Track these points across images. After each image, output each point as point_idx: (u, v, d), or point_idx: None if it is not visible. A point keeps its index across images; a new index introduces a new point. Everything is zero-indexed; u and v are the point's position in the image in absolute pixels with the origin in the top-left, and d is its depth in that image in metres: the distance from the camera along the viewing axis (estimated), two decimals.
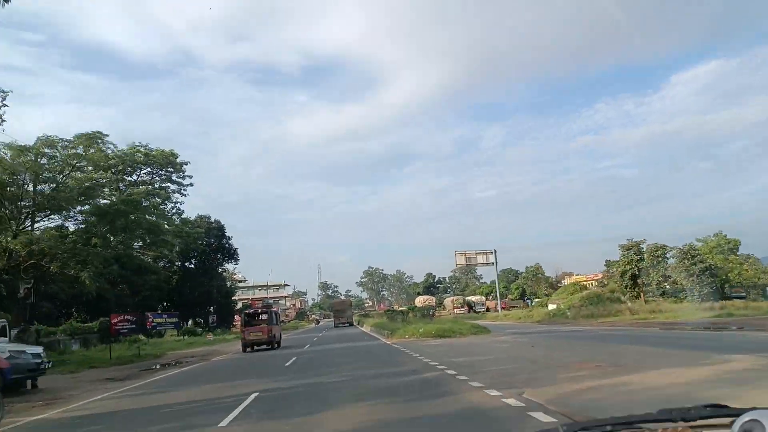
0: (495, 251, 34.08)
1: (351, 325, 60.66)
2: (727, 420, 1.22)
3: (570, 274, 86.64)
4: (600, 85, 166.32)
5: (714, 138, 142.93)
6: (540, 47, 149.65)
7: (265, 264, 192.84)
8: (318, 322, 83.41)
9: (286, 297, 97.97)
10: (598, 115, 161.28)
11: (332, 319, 72.36)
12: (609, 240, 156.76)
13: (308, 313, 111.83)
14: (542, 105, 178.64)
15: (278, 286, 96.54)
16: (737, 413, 1.14)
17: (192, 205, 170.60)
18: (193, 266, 52.76)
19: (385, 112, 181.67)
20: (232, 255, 56.03)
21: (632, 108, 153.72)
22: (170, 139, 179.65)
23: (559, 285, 74.65)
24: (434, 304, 64.21)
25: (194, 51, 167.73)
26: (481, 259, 33.82)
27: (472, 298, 68.59)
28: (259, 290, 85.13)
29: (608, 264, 52.66)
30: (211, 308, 53.84)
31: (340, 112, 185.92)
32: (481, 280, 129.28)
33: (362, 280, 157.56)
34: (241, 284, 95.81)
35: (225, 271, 60.67)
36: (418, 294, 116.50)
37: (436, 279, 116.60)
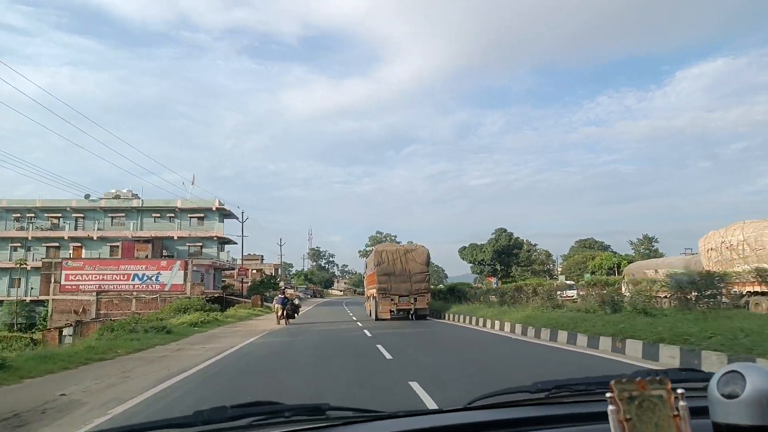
0: None
1: (425, 317, 21.50)
2: (701, 384, 1.19)
3: None
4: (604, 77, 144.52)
5: (717, 137, 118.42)
6: (546, 33, 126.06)
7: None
8: (289, 312, 21.97)
9: (213, 237, 43.30)
10: (599, 108, 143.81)
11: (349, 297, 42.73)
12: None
13: (279, 282, 60.34)
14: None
15: (199, 212, 42.72)
16: (710, 376, 1.08)
17: (185, 178, 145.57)
18: None
19: (385, 91, 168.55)
20: None
21: (634, 102, 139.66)
22: (163, 107, 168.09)
23: None
24: None
25: (190, 14, 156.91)
26: None
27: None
28: (154, 217, 34.85)
29: None
30: None
31: (339, 87, 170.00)
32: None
33: (367, 249, 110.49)
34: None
35: None
36: (480, 263, 65.58)
37: (513, 239, 65.16)
